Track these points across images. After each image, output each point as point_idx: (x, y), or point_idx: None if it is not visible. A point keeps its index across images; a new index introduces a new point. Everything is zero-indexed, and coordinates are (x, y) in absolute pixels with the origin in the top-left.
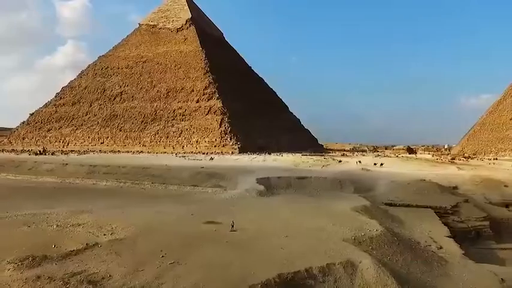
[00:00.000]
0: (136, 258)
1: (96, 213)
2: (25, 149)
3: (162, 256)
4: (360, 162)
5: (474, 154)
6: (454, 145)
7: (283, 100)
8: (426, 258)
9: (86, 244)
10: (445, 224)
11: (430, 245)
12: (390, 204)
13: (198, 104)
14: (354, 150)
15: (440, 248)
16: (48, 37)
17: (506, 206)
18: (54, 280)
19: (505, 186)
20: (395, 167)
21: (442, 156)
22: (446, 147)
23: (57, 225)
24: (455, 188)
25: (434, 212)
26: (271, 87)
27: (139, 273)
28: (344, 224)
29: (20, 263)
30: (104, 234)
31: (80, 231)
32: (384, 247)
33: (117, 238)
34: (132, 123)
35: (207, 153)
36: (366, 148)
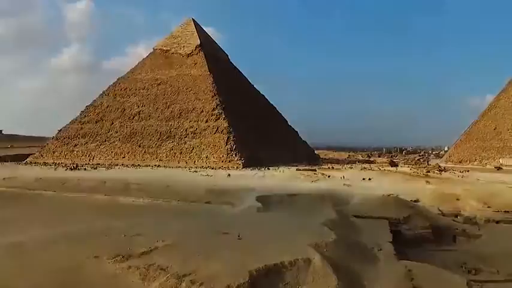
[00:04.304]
0: (183, 256)
1: (147, 226)
2: (56, 162)
3: (198, 255)
4: (343, 177)
5: (460, 162)
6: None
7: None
8: (364, 257)
9: (149, 248)
10: (397, 231)
11: (373, 247)
12: (357, 216)
13: (207, 123)
14: (346, 161)
15: (380, 249)
16: (54, 39)
17: (456, 216)
18: (140, 268)
19: (457, 199)
20: (374, 182)
21: (419, 169)
22: (446, 149)
23: (124, 235)
24: (416, 201)
25: (390, 222)
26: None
27: (188, 264)
28: (311, 233)
29: (114, 259)
30: (157, 241)
31: (141, 239)
32: (334, 249)
33: (167, 244)
34: (150, 140)
35: (215, 168)
36: (360, 156)
